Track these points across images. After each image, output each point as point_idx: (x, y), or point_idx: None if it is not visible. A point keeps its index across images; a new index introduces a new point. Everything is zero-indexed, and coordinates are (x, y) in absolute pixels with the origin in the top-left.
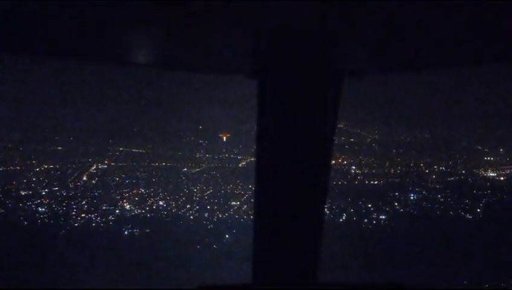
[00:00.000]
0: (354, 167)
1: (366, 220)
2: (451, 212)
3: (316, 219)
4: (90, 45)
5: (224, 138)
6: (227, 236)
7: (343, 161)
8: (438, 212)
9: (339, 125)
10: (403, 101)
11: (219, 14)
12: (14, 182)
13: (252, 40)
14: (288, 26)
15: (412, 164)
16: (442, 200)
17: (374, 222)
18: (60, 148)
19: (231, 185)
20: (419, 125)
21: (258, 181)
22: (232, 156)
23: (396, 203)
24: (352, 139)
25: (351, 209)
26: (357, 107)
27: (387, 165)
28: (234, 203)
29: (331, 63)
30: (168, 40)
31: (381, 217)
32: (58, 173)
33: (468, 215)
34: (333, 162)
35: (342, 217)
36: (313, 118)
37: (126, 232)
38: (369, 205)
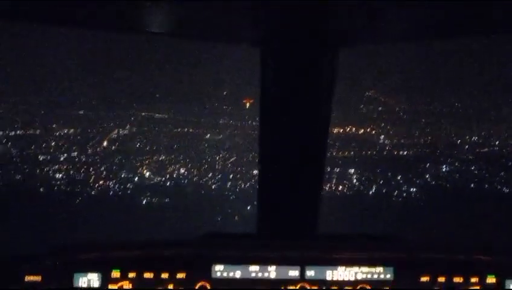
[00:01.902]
0: (382, 137)
1: (396, 192)
2: (486, 185)
3: (315, 179)
4: (97, 14)
5: (248, 104)
6: (248, 208)
7: (371, 130)
8: (471, 185)
9: (367, 94)
10: (434, 69)
11: None
12: (32, 147)
13: (253, 10)
14: None
15: (443, 134)
16: (476, 172)
17: (404, 194)
18: (81, 112)
19: (254, 153)
20: (450, 93)
21: (261, 142)
22: (254, 123)
23: (427, 176)
24: (380, 108)
25: (380, 181)
26: (385, 75)
27: (416, 134)
28: (257, 172)
29: (330, 30)
30: (173, 8)
31: (411, 189)
32: (78, 138)
33: (504, 189)
34: (361, 131)
35: (371, 190)
36: (312, 84)
37: (144, 202)
38: (399, 177)
